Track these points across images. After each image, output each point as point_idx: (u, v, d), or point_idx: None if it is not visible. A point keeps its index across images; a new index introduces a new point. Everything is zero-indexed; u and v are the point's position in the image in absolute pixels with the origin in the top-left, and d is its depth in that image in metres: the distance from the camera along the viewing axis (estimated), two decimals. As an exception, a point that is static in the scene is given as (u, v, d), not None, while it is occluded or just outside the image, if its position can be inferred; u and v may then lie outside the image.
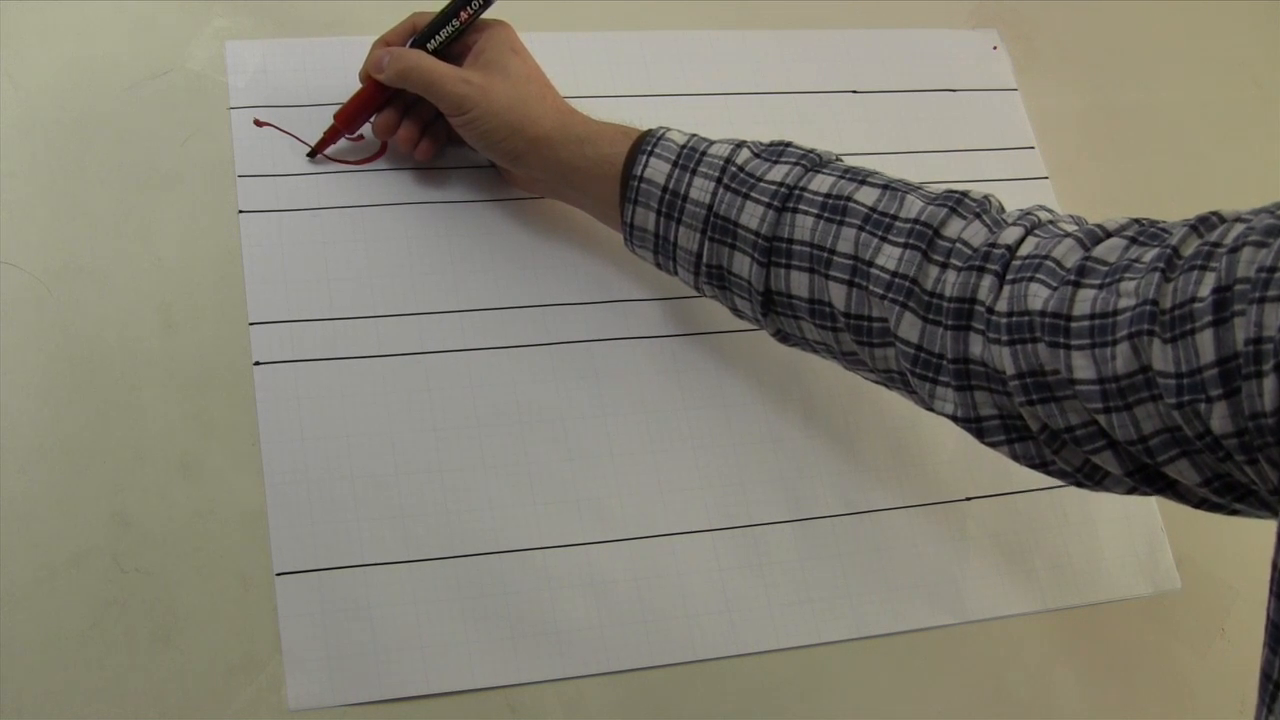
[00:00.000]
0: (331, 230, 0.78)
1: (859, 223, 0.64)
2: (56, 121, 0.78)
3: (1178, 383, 0.51)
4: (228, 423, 0.72)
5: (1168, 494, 0.58)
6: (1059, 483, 0.83)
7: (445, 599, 0.71)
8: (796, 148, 0.69)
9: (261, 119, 0.80)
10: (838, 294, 0.65)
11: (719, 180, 0.69)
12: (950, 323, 0.61)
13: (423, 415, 0.75)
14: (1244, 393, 0.48)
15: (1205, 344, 0.49)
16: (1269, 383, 0.47)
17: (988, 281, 0.60)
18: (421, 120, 0.80)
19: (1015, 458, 0.62)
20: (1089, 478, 0.60)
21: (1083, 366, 0.55)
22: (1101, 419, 0.55)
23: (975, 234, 0.62)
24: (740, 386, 0.81)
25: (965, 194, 0.64)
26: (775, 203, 0.67)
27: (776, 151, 0.69)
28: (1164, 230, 0.57)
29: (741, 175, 0.69)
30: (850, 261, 0.64)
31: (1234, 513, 0.57)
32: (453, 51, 0.78)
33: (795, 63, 0.93)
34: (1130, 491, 0.60)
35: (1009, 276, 0.59)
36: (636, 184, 0.71)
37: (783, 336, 0.72)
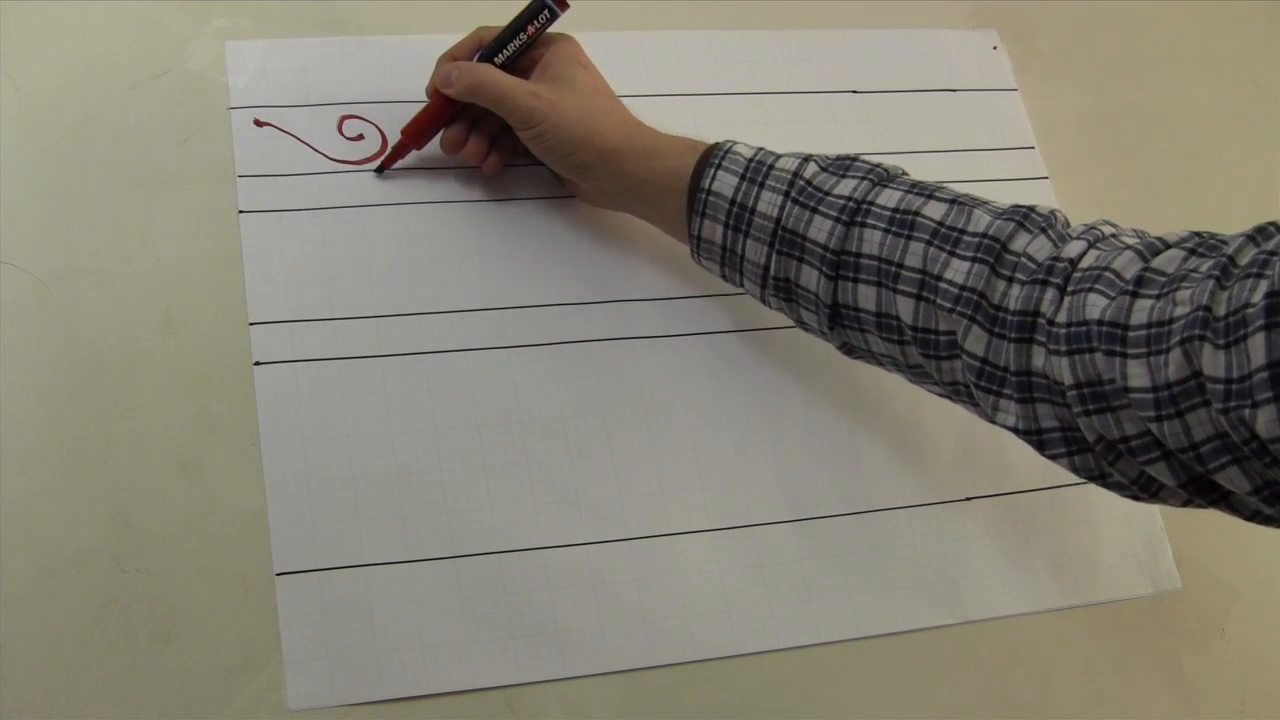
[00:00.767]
0: (331, 230, 0.78)
1: (927, 237, 0.65)
2: (56, 121, 0.78)
3: (1226, 388, 0.51)
4: (228, 423, 0.72)
5: (1221, 506, 0.58)
6: (1059, 483, 0.83)
7: (445, 599, 0.71)
8: (863, 162, 0.70)
9: (261, 119, 0.80)
10: (905, 308, 0.65)
11: (787, 194, 0.69)
12: (1014, 335, 0.61)
13: (423, 415, 0.75)
14: None
15: (1256, 348, 0.49)
16: None
17: (1050, 294, 0.60)
18: (489, 134, 0.80)
19: (1075, 470, 0.62)
20: (1145, 490, 0.60)
21: (1138, 375, 0.55)
22: (1154, 427, 0.55)
23: (1040, 248, 0.62)
24: (740, 386, 0.81)
25: (1032, 209, 0.64)
26: (843, 217, 0.67)
27: (844, 165, 0.70)
28: (1222, 241, 0.57)
29: (809, 189, 0.69)
30: (918, 275, 0.65)
31: None
32: (519, 65, 0.79)
33: (795, 63, 0.93)
34: (1185, 504, 0.60)
35: (1070, 288, 0.60)
36: (704, 197, 0.72)
37: (849, 349, 0.72)
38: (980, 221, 0.64)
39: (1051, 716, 0.79)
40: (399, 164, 0.81)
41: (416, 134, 0.80)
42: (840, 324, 0.70)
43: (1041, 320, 0.60)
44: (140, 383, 0.72)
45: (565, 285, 0.81)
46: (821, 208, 0.68)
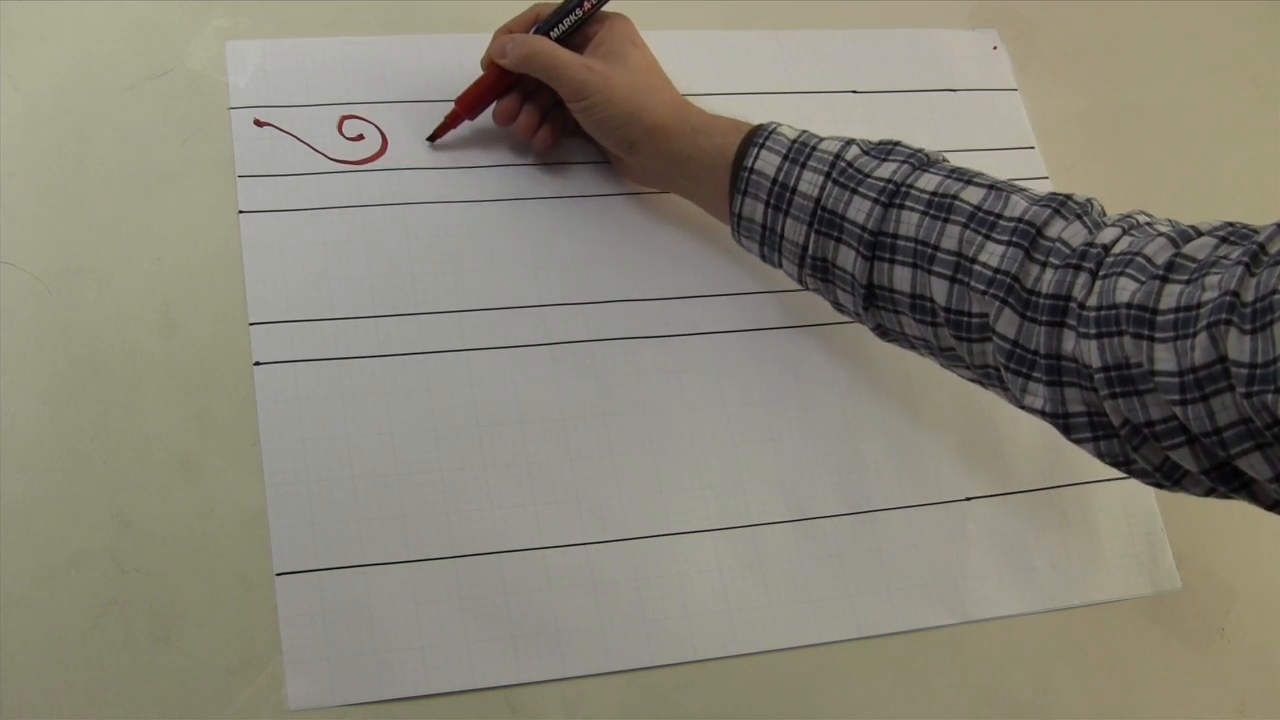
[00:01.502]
0: (331, 230, 0.78)
1: (964, 220, 0.65)
2: (56, 121, 0.78)
3: (1250, 372, 0.51)
4: (228, 423, 0.72)
5: (1243, 495, 0.59)
6: (1059, 482, 0.83)
7: (445, 599, 0.71)
8: (905, 147, 0.71)
9: (261, 119, 0.80)
10: (939, 289, 0.66)
11: (828, 175, 0.70)
12: (1045, 319, 0.62)
13: (423, 415, 0.75)
14: None
15: None
16: None
17: (1082, 279, 0.61)
18: (541, 108, 0.82)
19: (1100, 456, 0.63)
20: (1168, 477, 0.61)
21: (1164, 358, 0.55)
22: (1178, 411, 0.56)
23: (1075, 234, 0.63)
24: (740, 386, 0.81)
25: (1069, 196, 0.65)
26: (882, 198, 0.68)
27: (885, 150, 0.70)
28: (1254, 230, 0.58)
29: (850, 171, 0.70)
30: (954, 258, 0.65)
31: None
32: (573, 42, 0.81)
33: (795, 63, 0.93)
34: (1208, 493, 0.60)
35: (1101, 273, 0.60)
36: (747, 175, 0.73)
37: (882, 331, 0.72)
38: (1017, 207, 0.65)
39: (1051, 716, 0.79)
40: (398, 164, 0.81)
41: (470, 104, 0.81)
42: (875, 305, 0.70)
43: (1073, 304, 0.61)
44: (140, 383, 0.72)
45: (565, 285, 0.81)
46: (861, 189, 0.69)
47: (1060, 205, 0.64)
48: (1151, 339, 0.56)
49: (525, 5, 0.82)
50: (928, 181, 0.68)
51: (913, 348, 0.72)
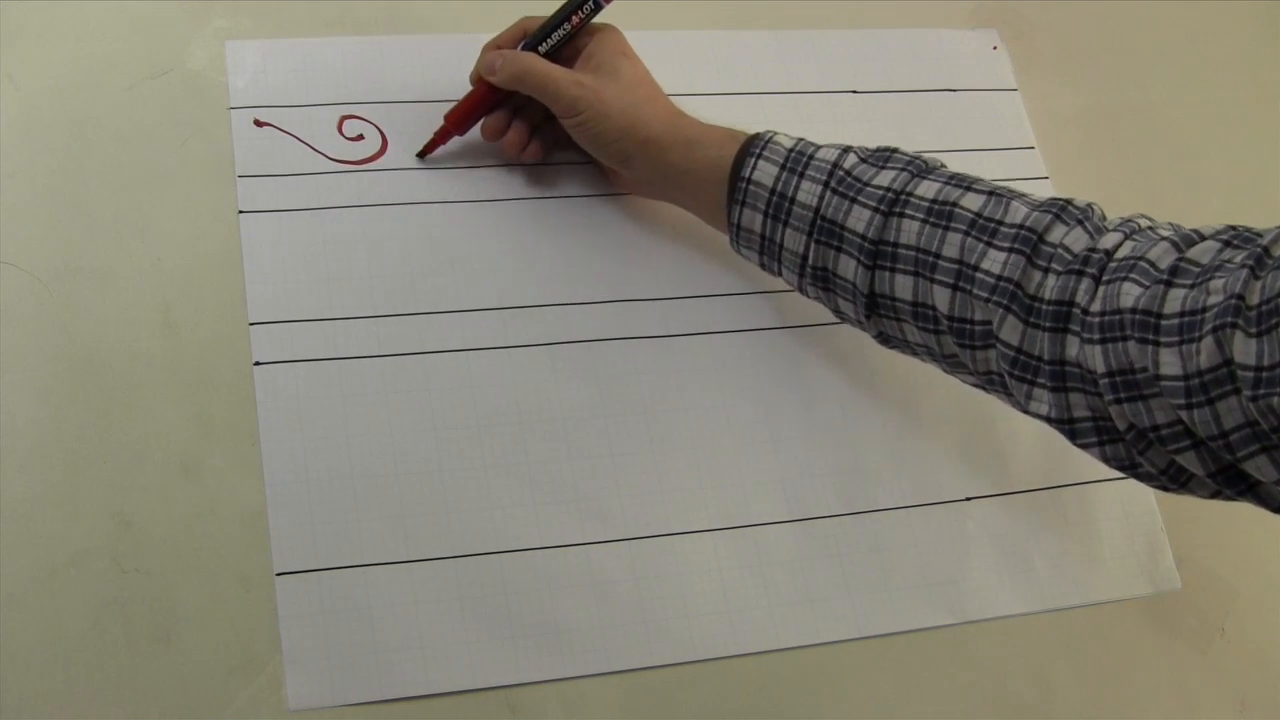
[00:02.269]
0: (331, 230, 0.78)
1: (965, 228, 0.65)
2: (56, 121, 0.78)
3: (1256, 375, 0.51)
4: (228, 423, 0.72)
5: (1249, 497, 0.59)
6: (1059, 483, 0.83)
7: (445, 599, 0.71)
8: (902, 154, 0.71)
9: (261, 119, 0.80)
10: (941, 297, 0.66)
11: (826, 184, 0.70)
12: (1048, 325, 0.62)
13: (423, 415, 0.75)
14: None
15: None
16: None
17: (1085, 284, 0.61)
18: (530, 123, 0.81)
19: (1105, 460, 0.63)
20: (1174, 480, 0.61)
21: (1169, 362, 0.56)
22: (1184, 415, 0.56)
23: (1076, 240, 0.63)
24: (740, 386, 0.81)
25: (1069, 201, 0.65)
26: (882, 207, 0.68)
27: (883, 157, 0.70)
28: (1257, 234, 0.58)
29: (849, 179, 0.69)
30: (955, 266, 0.65)
31: None
32: (563, 55, 0.80)
33: (795, 63, 0.93)
34: (1214, 495, 0.60)
35: (1105, 278, 0.60)
36: (745, 186, 0.72)
37: (884, 339, 0.72)
38: (1018, 213, 0.65)
39: (1051, 716, 0.79)
40: (398, 164, 0.81)
41: (459, 120, 0.81)
42: (877, 313, 0.70)
43: (1076, 310, 0.61)
44: (140, 383, 0.72)
45: (565, 285, 0.81)
46: (860, 198, 0.69)
47: (1061, 210, 0.64)
48: (1157, 343, 0.56)
49: (518, 6, 0.82)
50: (927, 189, 0.68)
51: (915, 354, 0.72)
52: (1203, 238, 0.59)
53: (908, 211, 0.67)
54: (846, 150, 0.71)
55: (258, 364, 0.74)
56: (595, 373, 0.79)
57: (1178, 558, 0.84)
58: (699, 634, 0.74)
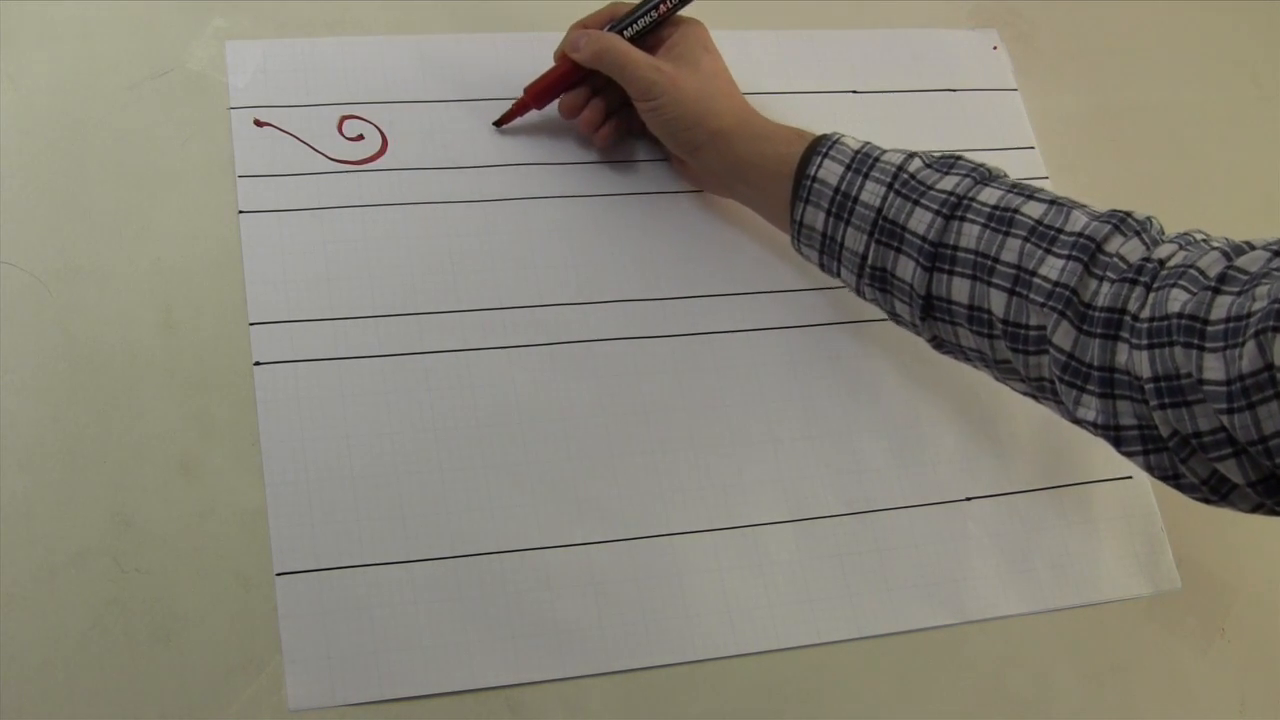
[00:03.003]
0: (331, 230, 0.78)
1: (1024, 234, 0.66)
2: (56, 121, 0.78)
3: None
4: (228, 423, 0.72)
5: None
6: (1059, 483, 0.83)
7: (445, 599, 0.71)
8: (967, 161, 0.71)
9: (261, 119, 0.80)
10: (998, 301, 0.66)
11: (890, 185, 0.71)
12: (1100, 332, 0.62)
13: (423, 415, 0.75)
14: None
15: None
16: None
17: (1137, 292, 0.61)
18: (606, 106, 0.83)
19: (1149, 469, 0.63)
20: (1215, 491, 0.61)
21: (1213, 368, 0.56)
22: (1225, 420, 0.56)
23: (1133, 250, 0.63)
24: (740, 386, 0.81)
25: (1129, 213, 0.65)
26: (944, 210, 0.68)
27: (947, 164, 0.71)
28: None
29: (913, 182, 0.70)
30: (1013, 270, 0.66)
31: None
32: (646, 43, 0.82)
33: (795, 63, 0.93)
34: (1256, 508, 0.60)
35: (1155, 285, 0.61)
36: (809, 184, 0.73)
37: (938, 343, 0.73)
38: (1078, 222, 0.65)
39: (1051, 716, 0.79)
40: (398, 164, 0.81)
41: (538, 94, 0.83)
42: (932, 316, 0.70)
43: (1127, 317, 0.61)
44: (140, 383, 0.72)
45: (565, 285, 0.81)
46: (923, 201, 0.69)
47: (1121, 222, 0.64)
48: (1201, 348, 0.56)
49: (518, 6, 0.82)
50: (989, 195, 0.68)
51: (968, 360, 0.72)
52: (1253, 248, 0.60)
53: (969, 216, 0.68)
54: (912, 155, 0.72)
55: (258, 364, 0.74)
56: (595, 373, 0.79)
57: (1178, 558, 0.84)
58: (699, 634, 0.74)
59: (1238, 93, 1.03)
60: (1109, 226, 0.64)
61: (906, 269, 0.70)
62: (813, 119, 0.83)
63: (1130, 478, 0.84)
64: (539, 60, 0.84)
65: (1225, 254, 0.60)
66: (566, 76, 0.82)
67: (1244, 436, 0.55)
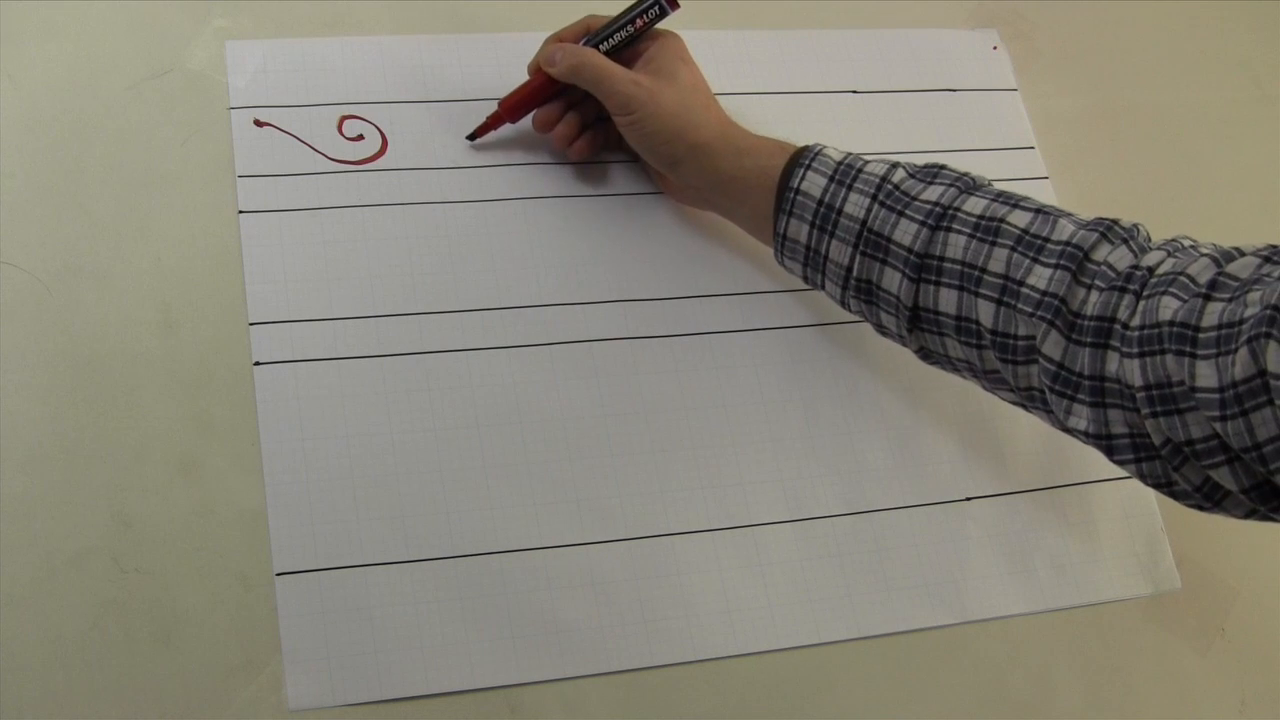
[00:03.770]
0: (331, 230, 0.78)
1: (1011, 243, 0.65)
2: (56, 121, 0.78)
3: None
4: (228, 423, 0.72)
5: None
6: (1059, 483, 0.83)
7: (445, 599, 0.71)
8: (950, 171, 0.71)
9: (261, 119, 0.80)
10: (986, 311, 0.66)
11: (874, 197, 0.70)
12: (1090, 341, 0.62)
13: (423, 415, 0.75)
14: None
15: None
16: None
17: (1126, 300, 0.61)
18: (582, 120, 0.82)
19: (1142, 477, 0.63)
20: (1208, 498, 0.61)
21: (1206, 375, 0.56)
22: (1218, 427, 0.56)
23: (1121, 258, 0.63)
24: (740, 386, 0.81)
25: (1116, 221, 0.65)
26: (929, 221, 0.68)
27: (931, 173, 0.71)
28: None
29: (897, 193, 0.70)
30: (1000, 280, 0.65)
31: None
32: (623, 57, 0.80)
33: (795, 63, 0.93)
34: (1249, 514, 0.60)
35: (1145, 293, 0.60)
36: (793, 196, 0.73)
37: (925, 354, 0.72)
38: (1064, 230, 0.65)
39: (1051, 716, 0.79)
40: (399, 164, 0.81)
41: (512, 108, 0.82)
42: (919, 327, 0.70)
43: (1117, 326, 0.61)
44: (140, 383, 0.72)
45: (565, 285, 0.81)
46: (908, 211, 0.69)
47: (1107, 230, 0.64)
48: (1194, 356, 0.56)
49: (517, 6, 0.82)
50: (974, 205, 0.68)
51: (956, 370, 0.72)
52: (1243, 254, 0.59)
53: (954, 226, 0.67)
54: (895, 165, 0.72)
55: (258, 364, 0.74)
56: (595, 373, 0.79)
57: (1178, 558, 0.84)
58: (699, 634, 0.74)
59: (1238, 93, 1.03)
60: (1096, 235, 0.64)
61: (892, 281, 0.69)
62: (813, 119, 0.83)
63: (1130, 478, 0.84)
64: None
65: (1215, 260, 0.59)
66: (542, 90, 0.81)
67: (1238, 443, 0.55)
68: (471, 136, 0.82)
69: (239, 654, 0.68)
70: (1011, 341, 0.65)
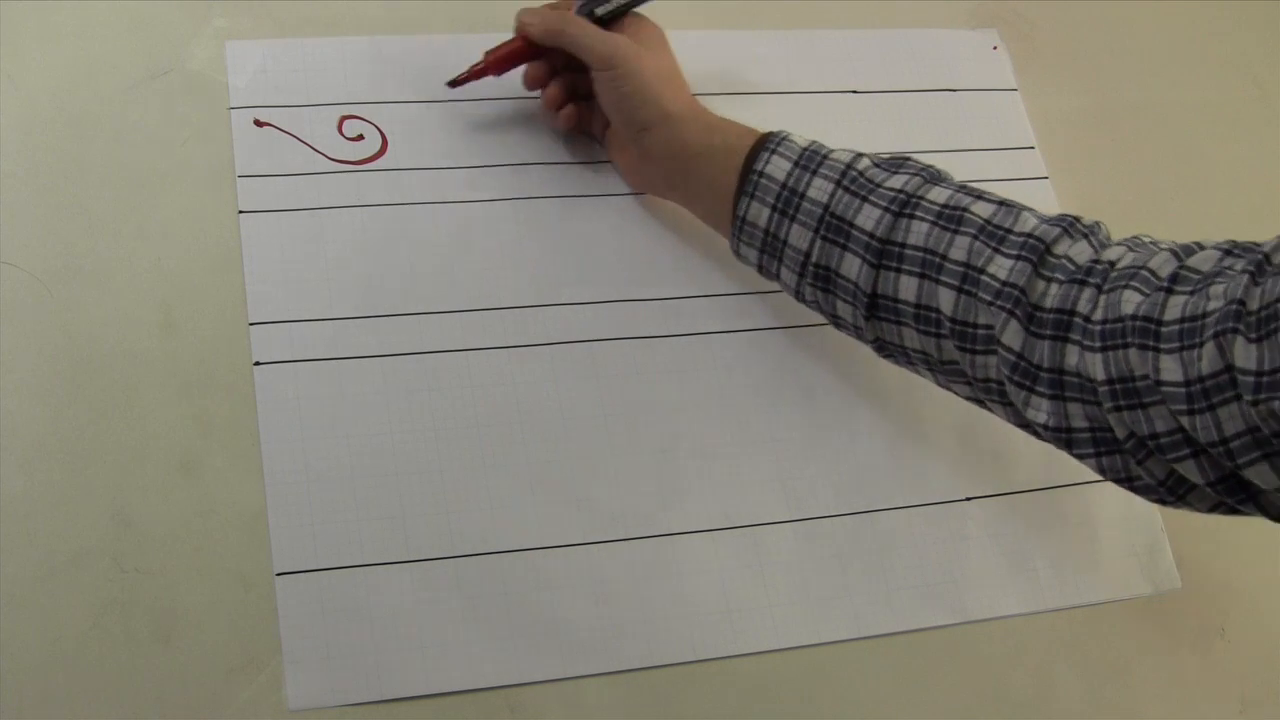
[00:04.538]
0: (331, 230, 0.78)
1: (974, 232, 0.66)
2: (56, 121, 0.78)
3: (1256, 380, 0.51)
4: (228, 423, 0.72)
5: (1249, 507, 0.58)
6: (1059, 482, 0.83)
7: (445, 599, 0.71)
8: (915, 162, 0.71)
9: (261, 119, 0.80)
10: (946, 299, 0.66)
11: (838, 183, 0.70)
12: (1049, 333, 0.62)
13: (423, 415, 0.75)
14: None
15: None
16: None
17: (1087, 293, 0.61)
18: (571, 85, 0.82)
19: (1102, 471, 0.63)
20: (1172, 492, 0.61)
21: (1170, 369, 0.56)
22: (1185, 421, 0.56)
23: (1081, 252, 0.63)
24: (740, 386, 0.81)
25: (1077, 218, 0.65)
26: (893, 207, 0.68)
27: (896, 163, 0.71)
28: (1257, 245, 0.58)
29: (861, 180, 0.70)
30: (962, 268, 0.66)
31: None
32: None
33: (795, 63, 0.93)
34: (1214, 508, 0.60)
35: (1106, 287, 0.61)
36: (756, 178, 0.73)
37: (880, 345, 0.72)
38: (1027, 223, 0.65)
39: (1051, 716, 0.79)
40: (398, 164, 0.81)
41: (497, 62, 0.82)
42: (877, 316, 0.70)
43: (1077, 319, 0.61)
44: (140, 383, 0.72)
45: (565, 285, 0.81)
46: (872, 198, 0.69)
47: (1069, 226, 0.65)
48: (1157, 350, 0.56)
49: (517, 6, 0.82)
50: (938, 194, 0.68)
51: (911, 364, 0.72)
52: (1203, 248, 0.60)
53: (918, 214, 0.67)
54: (860, 155, 0.72)
55: (258, 364, 0.74)
56: (595, 373, 0.79)
57: (1178, 558, 0.84)
58: (699, 634, 0.74)
59: (1238, 93, 1.03)
60: (1058, 229, 0.64)
61: (852, 267, 0.69)
62: (813, 119, 0.83)
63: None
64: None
65: (1175, 254, 0.60)
66: (521, 52, 0.82)
67: (1205, 438, 0.55)
68: (453, 84, 0.82)
69: (239, 654, 0.68)
70: (971, 330, 0.66)
